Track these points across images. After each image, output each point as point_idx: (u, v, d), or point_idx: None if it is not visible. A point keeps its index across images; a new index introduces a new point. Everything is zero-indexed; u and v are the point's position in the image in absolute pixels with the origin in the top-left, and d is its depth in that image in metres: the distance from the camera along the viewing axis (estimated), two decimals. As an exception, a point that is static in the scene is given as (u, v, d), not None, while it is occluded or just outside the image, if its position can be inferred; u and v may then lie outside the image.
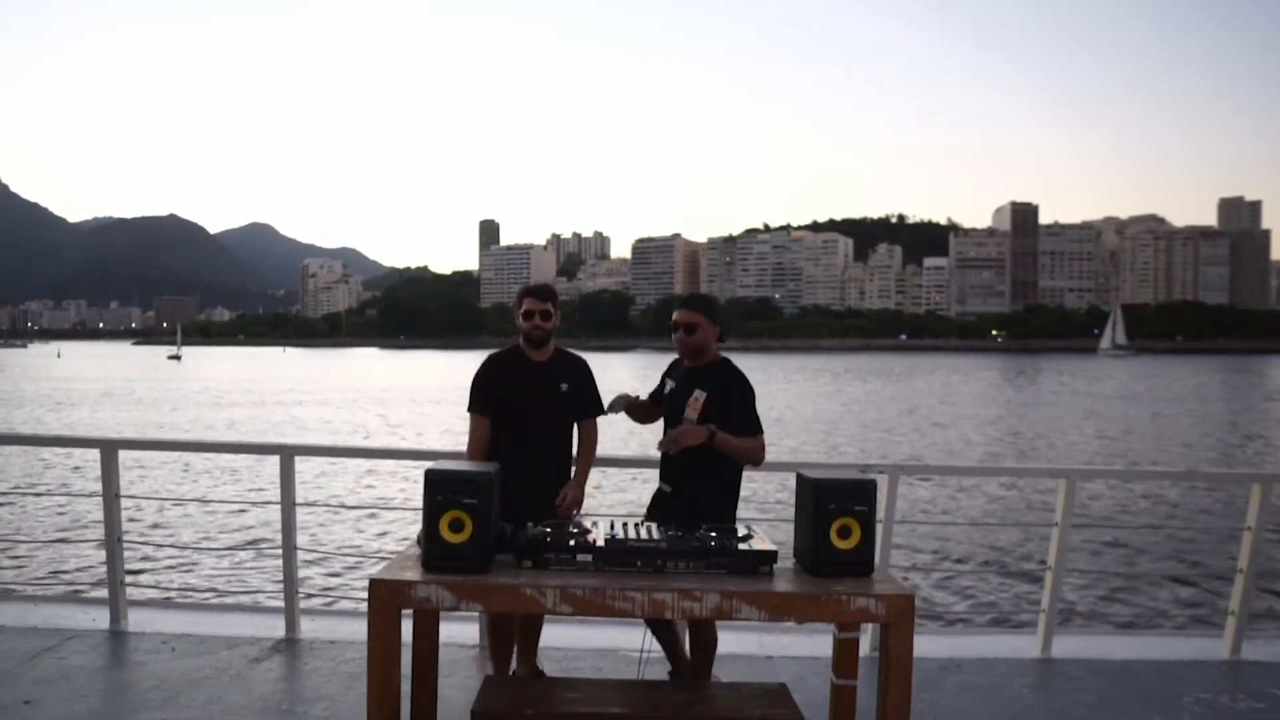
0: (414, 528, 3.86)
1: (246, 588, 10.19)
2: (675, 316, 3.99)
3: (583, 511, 4.16)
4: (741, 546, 3.15)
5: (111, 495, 5.14)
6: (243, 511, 14.58)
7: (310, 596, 5.87)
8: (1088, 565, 11.86)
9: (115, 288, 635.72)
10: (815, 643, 4.92)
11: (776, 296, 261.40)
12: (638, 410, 4.26)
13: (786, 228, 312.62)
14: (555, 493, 4.09)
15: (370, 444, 26.22)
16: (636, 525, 3.42)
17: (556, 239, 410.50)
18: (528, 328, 4.10)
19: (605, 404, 4.25)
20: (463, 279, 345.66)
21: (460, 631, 4.93)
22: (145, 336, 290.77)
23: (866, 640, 4.83)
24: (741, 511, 4.03)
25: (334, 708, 4.11)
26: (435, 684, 3.50)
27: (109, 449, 5.19)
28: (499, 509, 3.19)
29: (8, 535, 12.84)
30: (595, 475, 4.28)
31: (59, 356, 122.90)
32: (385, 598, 2.96)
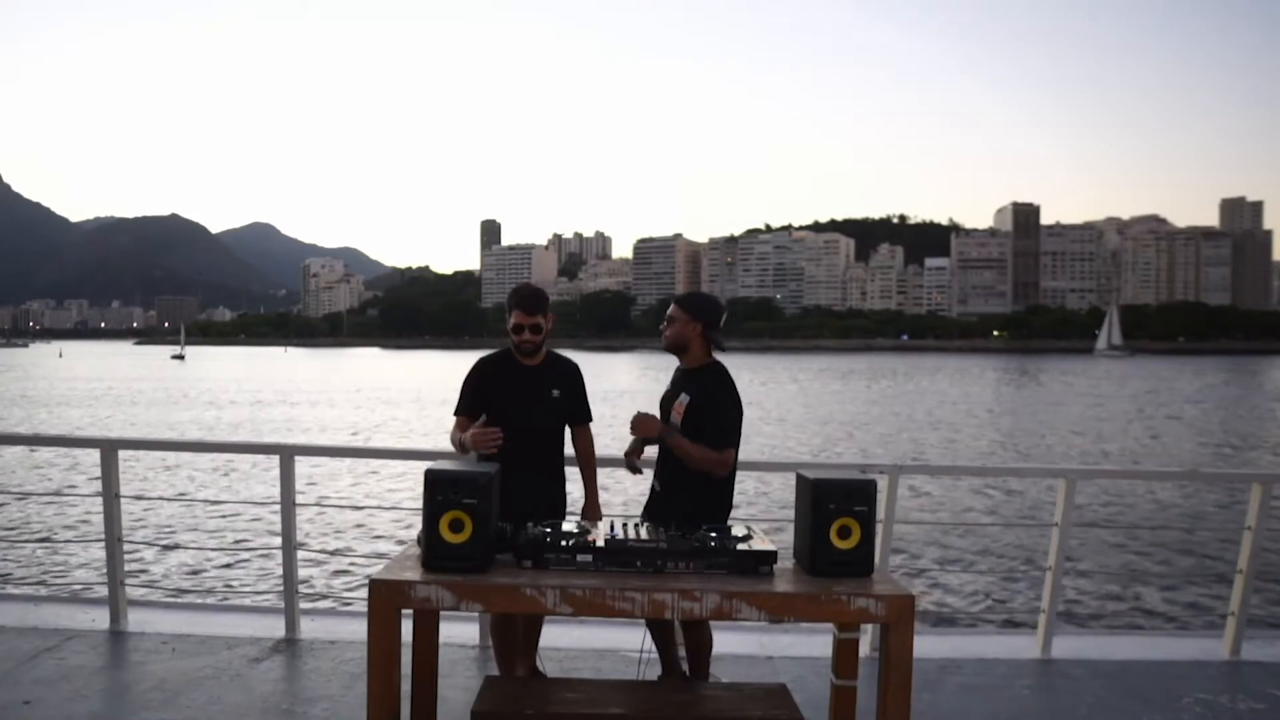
0: (414, 528, 3.86)
1: (246, 588, 10.20)
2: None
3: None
4: (741, 546, 3.15)
5: (111, 495, 5.14)
6: (243, 511, 14.59)
7: (310, 596, 5.88)
8: (1088, 565, 11.86)
9: (117, 287, 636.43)
10: (815, 643, 4.91)
11: (778, 297, 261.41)
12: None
13: (788, 228, 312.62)
14: (548, 496, 4.04)
15: (370, 444, 26.23)
16: (636, 525, 3.42)
17: (558, 239, 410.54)
18: (517, 341, 4.00)
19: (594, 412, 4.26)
20: (464, 279, 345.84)
21: (460, 631, 4.93)
22: (147, 336, 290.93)
23: (866, 640, 4.82)
24: (741, 511, 4.03)
25: (334, 708, 4.10)
26: (435, 684, 3.50)
27: (109, 449, 5.18)
28: (497, 511, 3.19)
29: (8, 535, 12.85)
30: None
31: (60, 356, 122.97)
32: (385, 598, 2.96)
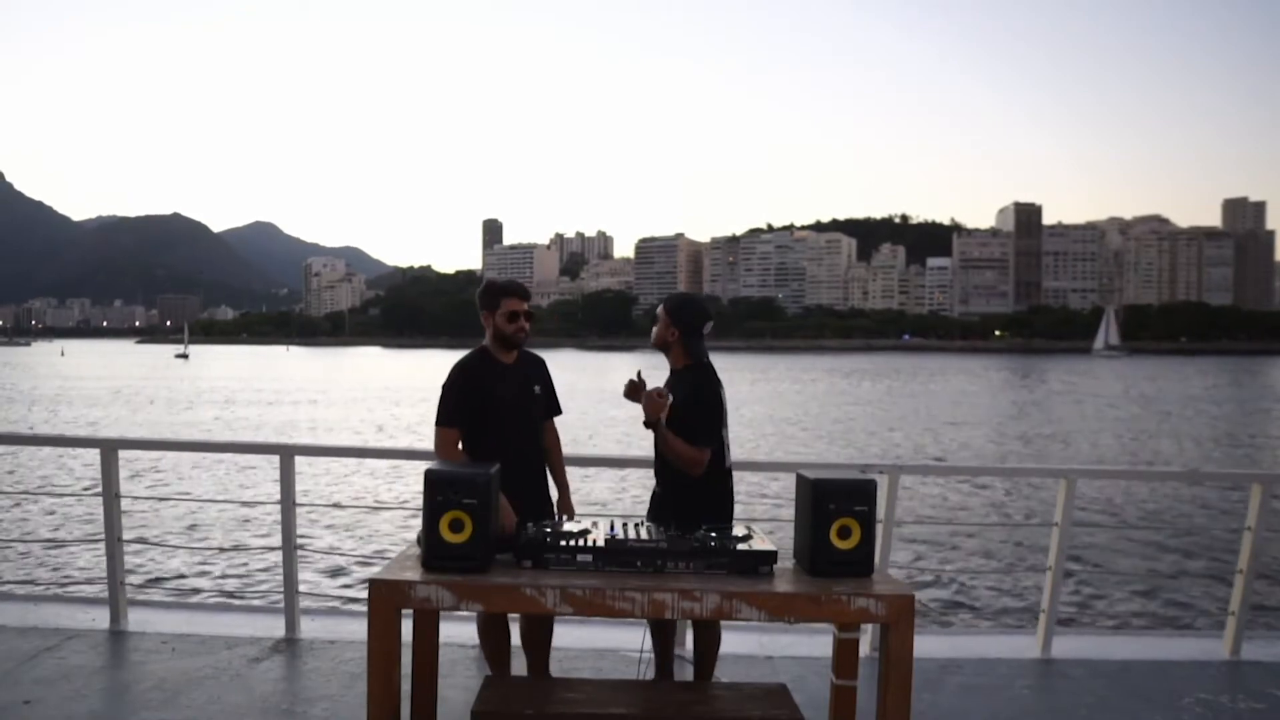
0: (414, 528, 3.86)
1: (246, 588, 10.21)
2: None
3: (577, 514, 4.14)
4: (741, 547, 3.15)
5: (111, 495, 5.14)
6: (243, 511, 14.60)
7: (310, 596, 5.87)
8: (1088, 565, 11.86)
9: (119, 286, 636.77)
10: (815, 643, 4.91)
11: (780, 296, 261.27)
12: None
13: (790, 228, 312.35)
14: (539, 494, 4.03)
15: (370, 444, 26.24)
16: (637, 525, 3.42)
17: (560, 238, 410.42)
18: (513, 330, 3.93)
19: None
20: (466, 278, 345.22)
21: (460, 631, 4.92)
22: (149, 335, 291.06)
23: (866, 640, 4.82)
24: (741, 511, 4.03)
25: (334, 708, 4.11)
26: (435, 684, 3.50)
27: (109, 449, 5.18)
28: (497, 511, 3.18)
29: (8, 535, 12.86)
30: (595, 474, 4.29)
31: (63, 355, 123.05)
32: (385, 598, 2.97)
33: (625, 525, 3.38)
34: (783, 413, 38.20)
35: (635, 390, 3.91)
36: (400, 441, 27.44)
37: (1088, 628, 8.66)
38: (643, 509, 4.28)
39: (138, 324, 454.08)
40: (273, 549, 6.42)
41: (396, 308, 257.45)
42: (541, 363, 4.19)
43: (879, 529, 3.90)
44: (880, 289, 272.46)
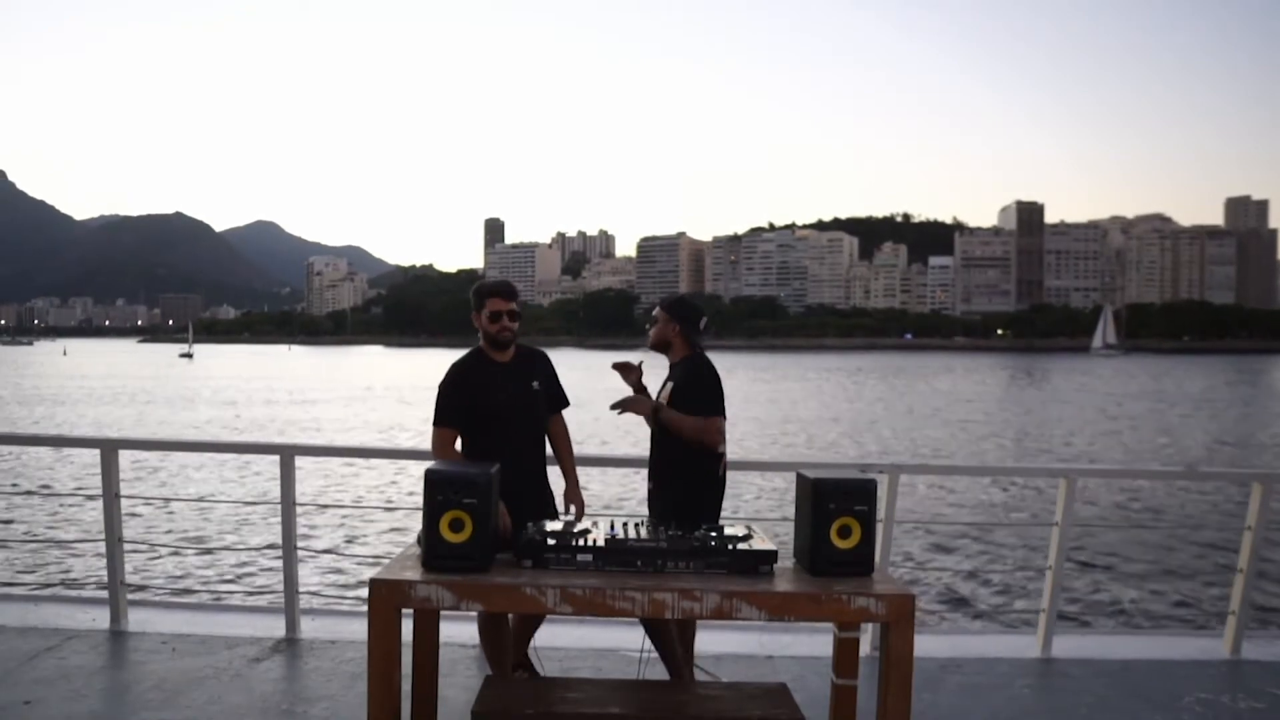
0: (414, 528, 3.86)
1: (246, 588, 10.20)
2: None
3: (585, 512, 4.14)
4: (741, 546, 3.15)
5: (111, 495, 5.14)
6: (243, 511, 14.60)
7: (310, 596, 5.87)
8: (1088, 565, 11.85)
9: (121, 285, 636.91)
10: (815, 643, 4.90)
11: (781, 295, 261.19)
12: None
13: (791, 226, 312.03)
14: (538, 493, 4.02)
15: (370, 444, 26.25)
16: (637, 525, 3.41)
17: (561, 237, 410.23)
18: (495, 330, 3.91)
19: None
20: (468, 277, 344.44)
21: (460, 631, 4.92)
22: (151, 334, 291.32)
23: (867, 640, 4.82)
24: (741, 511, 4.04)
25: (334, 708, 4.11)
26: (435, 684, 3.50)
27: (109, 449, 5.18)
28: (497, 510, 3.18)
29: (8, 535, 12.86)
30: (595, 474, 4.30)
31: (65, 354, 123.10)
32: (385, 598, 2.97)
33: (625, 525, 3.38)
34: (784, 412, 38.19)
35: (628, 369, 4.07)
36: (400, 441, 27.46)
37: (1088, 627, 8.67)
38: (643, 509, 4.30)
39: (140, 323, 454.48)
40: (273, 549, 6.43)
41: (398, 307, 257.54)
42: (542, 357, 4.18)
43: (879, 528, 3.90)
44: (882, 288, 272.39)
